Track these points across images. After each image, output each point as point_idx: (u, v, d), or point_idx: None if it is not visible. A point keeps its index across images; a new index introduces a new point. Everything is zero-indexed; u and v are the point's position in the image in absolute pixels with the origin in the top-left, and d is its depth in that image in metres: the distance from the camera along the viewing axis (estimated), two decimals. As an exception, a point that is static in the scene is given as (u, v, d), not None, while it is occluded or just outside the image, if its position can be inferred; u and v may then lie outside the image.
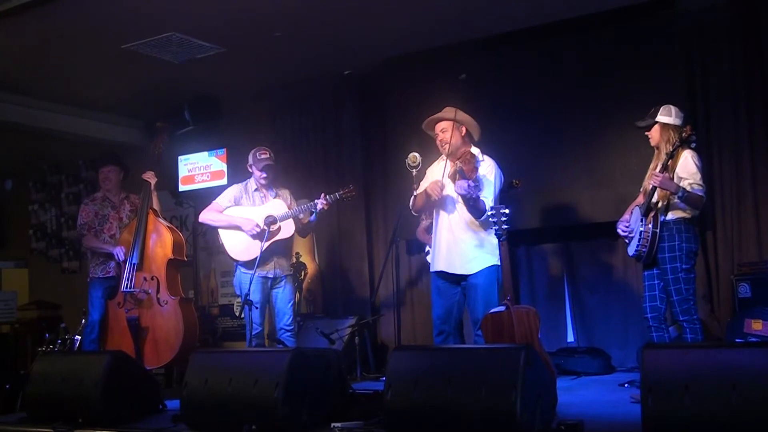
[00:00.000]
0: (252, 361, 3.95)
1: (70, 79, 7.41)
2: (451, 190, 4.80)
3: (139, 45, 6.54)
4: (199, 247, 8.69)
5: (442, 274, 4.92)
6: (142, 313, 5.81)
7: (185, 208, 8.89)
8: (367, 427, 3.66)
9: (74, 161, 9.86)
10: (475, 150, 4.89)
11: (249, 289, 5.25)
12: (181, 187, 8.70)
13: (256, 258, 5.34)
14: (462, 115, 4.89)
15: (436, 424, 3.32)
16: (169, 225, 6.17)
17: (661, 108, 4.73)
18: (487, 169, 4.84)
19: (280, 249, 5.60)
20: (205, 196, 8.61)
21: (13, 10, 5.75)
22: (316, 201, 5.48)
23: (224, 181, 8.39)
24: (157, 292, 5.86)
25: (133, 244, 5.92)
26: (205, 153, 8.56)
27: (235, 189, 5.72)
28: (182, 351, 5.64)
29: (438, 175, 4.89)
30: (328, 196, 5.44)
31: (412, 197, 5.02)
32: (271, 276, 5.54)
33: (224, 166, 8.42)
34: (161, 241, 5.99)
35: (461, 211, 4.82)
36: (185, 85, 7.69)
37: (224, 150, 8.43)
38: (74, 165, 9.92)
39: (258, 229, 5.44)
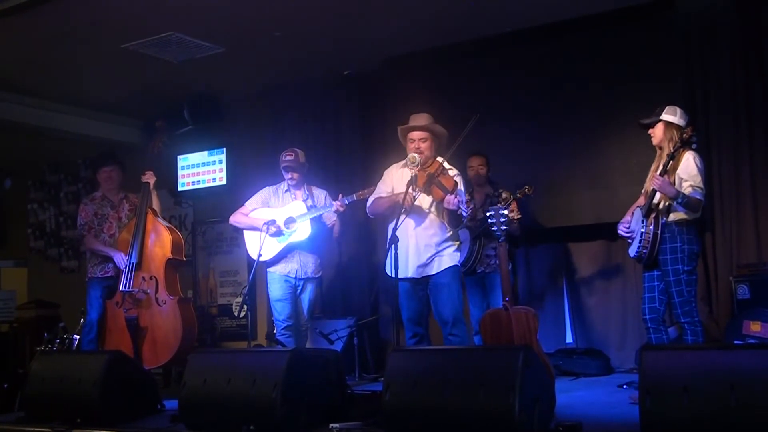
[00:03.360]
0: (251, 362, 3.95)
1: (69, 79, 7.41)
2: (420, 200, 4.84)
3: (139, 44, 6.54)
4: (198, 246, 8.68)
5: (409, 279, 4.92)
6: (140, 312, 5.81)
7: (184, 207, 8.89)
8: (366, 428, 3.67)
9: (73, 160, 9.85)
10: (440, 159, 4.92)
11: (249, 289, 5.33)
12: (180, 187, 8.70)
13: (275, 257, 5.59)
14: (441, 129, 4.97)
15: (434, 425, 3.32)
16: (168, 225, 6.17)
17: (666, 107, 4.73)
18: (458, 178, 4.91)
19: (305, 249, 5.71)
20: (204, 196, 8.66)
21: (12, 10, 5.74)
22: (332, 202, 5.57)
23: (223, 182, 8.40)
24: (156, 291, 5.86)
25: (131, 244, 5.92)
26: (205, 153, 8.56)
27: (264, 191, 5.87)
28: (181, 351, 5.64)
29: (399, 180, 4.95)
30: (345, 198, 5.48)
31: (372, 199, 5.08)
32: (294, 276, 5.68)
33: (223, 166, 8.43)
34: (160, 241, 5.99)
35: (429, 220, 4.89)
36: (185, 85, 7.69)
37: (223, 150, 8.43)
38: (73, 164, 9.91)
39: (274, 228, 5.56)
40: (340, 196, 5.52)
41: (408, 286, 4.91)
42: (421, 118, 4.98)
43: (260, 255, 5.52)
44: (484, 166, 6.06)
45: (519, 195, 5.79)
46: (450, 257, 4.91)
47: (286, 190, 5.81)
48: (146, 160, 6.35)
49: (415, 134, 4.93)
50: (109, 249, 6.06)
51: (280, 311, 5.66)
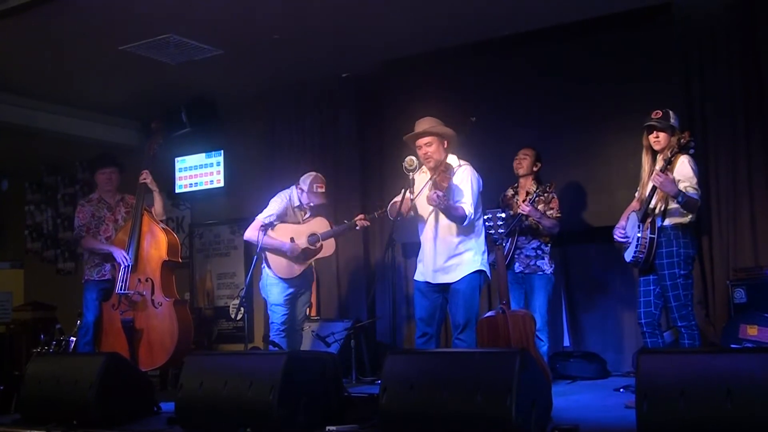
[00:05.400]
0: (247, 364, 3.94)
1: (67, 80, 7.41)
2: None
3: (137, 46, 6.54)
4: (195, 248, 8.67)
5: (426, 283, 4.95)
6: (136, 315, 5.80)
7: (182, 209, 8.88)
8: (362, 431, 3.67)
9: (70, 162, 9.84)
10: (452, 158, 4.92)
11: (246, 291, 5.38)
12: (178, 189, 8.70)
13: (295, 273, 5.73)
14: (445, 129, 4.93)
15: (431, 428, 3.32)
16: (164, 226, 6.16)
17: (671, 112, 4.71)
18: (462, 176, 4.88)
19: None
20: (202, 198, 8.66)
21: (10, 11, 5.74)
22: (355, 220, 5.76)
23: (221, 184, 8.40)
24: (152, 293, 5.85)
25: (127, 246, 5.91)
26: (202, 155, 8.56)
27: (280, 203, 5.86)
28: (177, 353, 5.63)
29: (418, 184, 4.94)
30: (368, 216, 5.73)
31: (392, 202, 5.08)
32: (296, 282, 5.79)
33: (221, 168, 8.43)
34: (156, 243, 5.97)
35: (442, 222, 4.86)
36: (182, 87, 7.69)
37: (221, 152, 8.43)
38: (70, 166, 9.90)
39: (301, 254, 5.69)
40: (362, 215, 5.79)
41: (423, 285, 4.93)
42: (423, 123, 4.95)
43: (260, 250, 5.58)
44: (527, 157, 5.78)
45: (545, 192, 5.57)
46: (470, 263, 4.83)
47: (298, 206, 5.88)
48: (143, 162, 6.34)
49: (421, 140, 4.92)
50: (107, 245, 6.05)
51: (280, 315, 5.72)
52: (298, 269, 5.73)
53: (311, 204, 5.82)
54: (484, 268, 4.86)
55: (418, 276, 4.99)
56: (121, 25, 6.12)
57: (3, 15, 5.79)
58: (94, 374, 4.21)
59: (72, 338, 6.53)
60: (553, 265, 5.75)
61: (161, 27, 6.19)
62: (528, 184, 5.79)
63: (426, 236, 4.94)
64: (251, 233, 5.76)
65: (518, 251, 5.65)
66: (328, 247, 5.74)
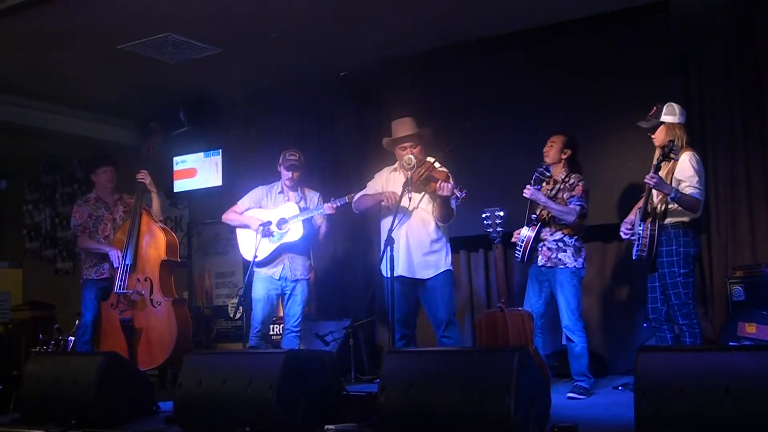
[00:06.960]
0: (246, 363, 3.95)
1: (65, 79, 7.39)
2: (414, 198, 4.95)
3: (135, 45, 6.53)
4: (193, 247, 8.67)
5: (401, 278, 4.95)
6: (135, 314, 5.81)
7: (180, 209, 8.88)
8: (361, 429, 3.68)
9: (68, 161, 9.84)
10: (431, 160, 5.00)
11: (245, 290, 5.37)
12: (176, 188, 8.69)
13: (266, 258, 5.56)
14: (425, 130, 5.07)
15: (429, 427, 3.32)
16: (162, 226, 6.16)
17: (665, 107, 4.72)
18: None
19: (294, 251, 5.68)
20: (201, 197, 8.65)
21: (8, 10, 5.73)
22: (323, 204, 5.58)
23: (219, 183, 8.39)
24: (151, 293, 5.86)
25: (126, 245, 5.91)
26: (201, 154, 8.55)
27: (258, 191, 5.85)
28: (176, 352, 5.64)
29: (388, 183, 5.11)
30: (337, 201, 5.48)
31: (359, 195, 5.20)
32: (279, 277, 5.64)
33: (219, 167, 8.42)
34: (155, 242, 5.98)
35: (420, 218, 4.97)
36: (181, 86, 7.68)
37: (219, 151, 8.42)
38: (68, 165, 9.90)
39: (262, 228, 5.55)
40: (332, 198, 5.53)
41: (398, 286, 4.91)
42: (405, 126, 5.04)
43: (256, 257, 5.53)
44: (554, 144, 5.32)
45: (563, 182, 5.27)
46: (443, 261, 4.99)
47: (280, 192, 5.79)
48: (141, 161, 6.33)
49: (405, 143, 5.05)
50: (104, 245, 6.05)
51: (259, 311, 5.62)
52: (263, 250, 5.57)
53: (290, 176, 5.68)
54: (452, 269, 5.07)
55: (394, 271, 4.87)
56: (120, 25, 6.11)
57: (2, 14, 5.78)
58: (93, 374, 4.21)
59: (71, 337, 6.53)
60: (578, 259, 5.26)
61: (159, 26, 6.18)
62: (558, 172, 5.37)
63: (404, 231, 4.98)
64: (226, 216, 5.82)
65: (541, 243, 5.25)
66: (294, 231, 5.59)
